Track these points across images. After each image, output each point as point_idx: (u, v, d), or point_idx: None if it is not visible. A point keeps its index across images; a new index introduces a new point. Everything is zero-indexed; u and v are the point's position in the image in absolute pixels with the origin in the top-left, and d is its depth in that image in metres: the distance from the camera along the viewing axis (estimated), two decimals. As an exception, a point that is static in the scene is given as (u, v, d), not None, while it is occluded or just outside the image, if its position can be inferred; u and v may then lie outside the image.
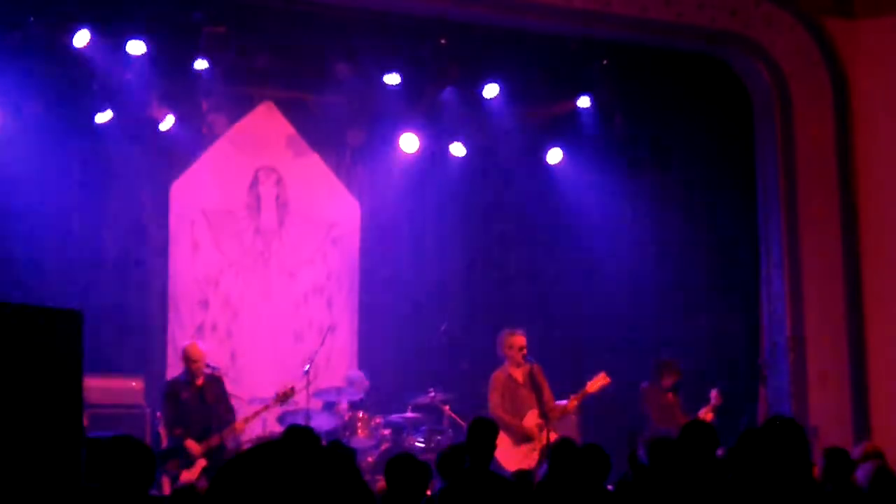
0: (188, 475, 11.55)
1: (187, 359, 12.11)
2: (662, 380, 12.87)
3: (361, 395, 13.41)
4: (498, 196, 15.62)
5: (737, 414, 13.07)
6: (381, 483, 8.15)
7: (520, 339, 12.27)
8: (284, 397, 12.14)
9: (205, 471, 11.64)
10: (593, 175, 15.21)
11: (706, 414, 12.45)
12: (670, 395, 12.85)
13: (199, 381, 12.06)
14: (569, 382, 12.62)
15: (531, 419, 12.05)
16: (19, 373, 5.78)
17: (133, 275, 14.00)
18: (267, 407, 12.19)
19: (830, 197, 13.81)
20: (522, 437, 11.98)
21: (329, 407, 13.35)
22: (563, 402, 12.18)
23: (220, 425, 11.91)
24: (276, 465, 2.12)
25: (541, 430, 11.83)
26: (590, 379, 12.19)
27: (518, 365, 12.25)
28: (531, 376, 12.09)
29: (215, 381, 12.21)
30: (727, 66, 14.34)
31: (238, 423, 12.03)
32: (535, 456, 11.70)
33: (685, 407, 12.83)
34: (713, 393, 12.66)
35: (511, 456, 11.67)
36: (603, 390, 12.17)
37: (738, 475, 6.80)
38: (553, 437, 11.30)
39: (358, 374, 13.93)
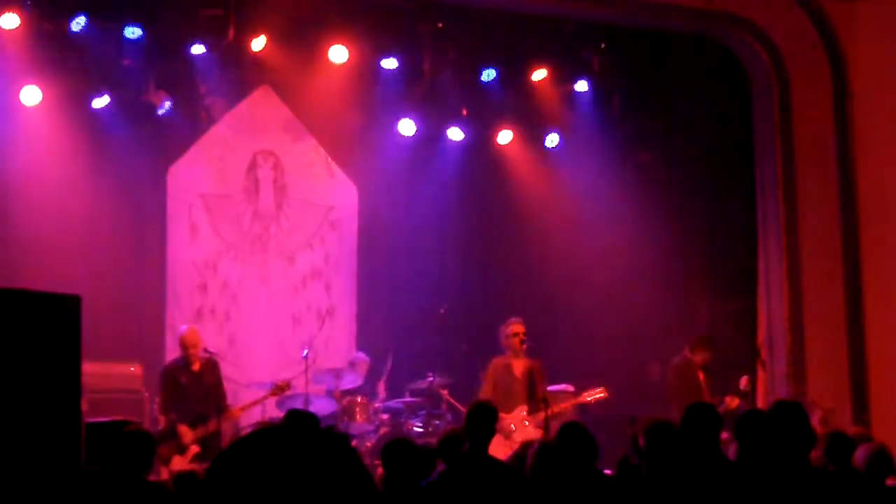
0: (180, 460, 11.56)
1: (184, 344, 12.14)
2: (696, 356, 12.70)
3: (361, 381, 13.40)
4: (495, 180, 15.60)
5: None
6: (380, 469, 8.14)
7: (517, 327, 12.22)
8: (280, 390, 12.17)
9: (197, 457, 11.66)
10: (591, 158, 15.20)
11: (732, 401, 12.31)
12: (701, 373, 12.68)
13: (196, 366, 12.08)
14: (567, 368, 12.63)
15: (518, 414, 12.02)
16: (18, 358, 5.78)
17: (131, 259, 13.99)
18: (264, 398, 12.23)
19: (829, 178, 13.80)
20: (503, 430, 11.90)
21: (328, 391, 13.34)
22: (561, 402, 12.22)
23: (215, 410, 11.93)
24: (275, 450, 2.12)
25: (527, 425, 11.84)
26: (585, 376, 12.24)
27: (517, 355, 12.20)
28: (530, 372, 12.07)
29: (212, 365, 12.23)
30: (725, 48, 14.31)
31: (234, 411, 12.06)
32: (515, 447, 11.66)
33: (715, 389, 12.65)
34: (743, 380, 12.50)
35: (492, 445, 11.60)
36: (598, 403, 12.21)
37: (741, 457, 6.81)
38: (540, 434, 11.25)
39: (359, 355, 13.93)
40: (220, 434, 11.87)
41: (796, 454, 5.89)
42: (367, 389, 13.41)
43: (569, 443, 7.37)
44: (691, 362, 12.66)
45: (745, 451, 6.91)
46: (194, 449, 11.71)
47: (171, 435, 11.81)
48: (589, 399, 12.14)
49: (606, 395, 12.14)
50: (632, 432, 7.99)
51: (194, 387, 11.98)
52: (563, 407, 12.17)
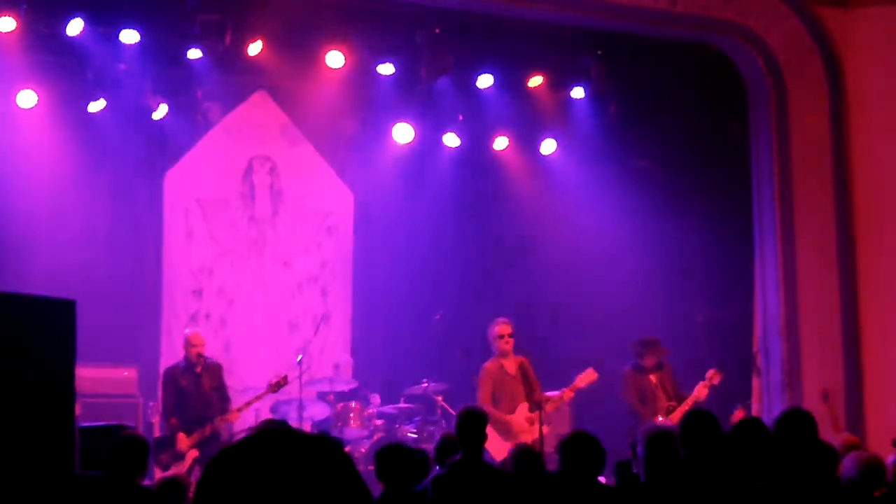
0: (179, 466, 11.53)
1: (190, 344, 12.07)
2: (643, 361, 12.72)
3: (354, 384, 13.41)
4: (491, 186, 15.61)
5: (730, 404, 13.10)
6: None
7: (504, 328, 12.24)
8: (277, 386, 12.14)
9: (196, 461, 11.63)
10: (588, 165, 15.21)
11: (701, 390, 12.32)
12: (652, 376, 12.69)
13: (198, 369, 12.03)
14: (561, 372, 12.62)
15: (521, 413, 12.01)
16: (12, 362, 5.77)
17: (127, 264, 13.98)
18: (260, 396, 12.18)
19: (825, 185, 13.79)
20: (511, 432, 11.89)
21: (322, 396, 13.35)
22: (556, 392, 12.15)
23: (214, 413, 11.89)
24: (267, 456, 2.11)
25: (531, 423, 11.81)
26: (578, 373, 12.18)
27: (506, 355, 12.21)
28: (522, 369, 12.08)
29: (214, 368, 12.18)
30: (722, 55, 14.31)
31: (232, 413, 12.02)
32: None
33: (675, 389, 12.66)
34: (710, 372, 12.50)
35: (501, 449, 11.59)
36: (591, 385, 12.16)
37: (744, 466, 6.76)
38: (545, 430, 11.30)
39: (344, 357, 13.94)
40: (219, 437, 11.84)
41: (802, 465, 5.85)
42: (362, 394, 13.42)
43: (574, 452, 7.27)
44: (642, 367, 12.70)
45: (747, 461, 6.84)
46: (192, 454, 11.68)
47: (171, 441, 11.78)
48: (581, 385, 12.09)
49: (596, 375, 12.11)
50: (632, 441, 7.95)
51: (193, 390, 11.94)
52: (559, 396, 12.11)
